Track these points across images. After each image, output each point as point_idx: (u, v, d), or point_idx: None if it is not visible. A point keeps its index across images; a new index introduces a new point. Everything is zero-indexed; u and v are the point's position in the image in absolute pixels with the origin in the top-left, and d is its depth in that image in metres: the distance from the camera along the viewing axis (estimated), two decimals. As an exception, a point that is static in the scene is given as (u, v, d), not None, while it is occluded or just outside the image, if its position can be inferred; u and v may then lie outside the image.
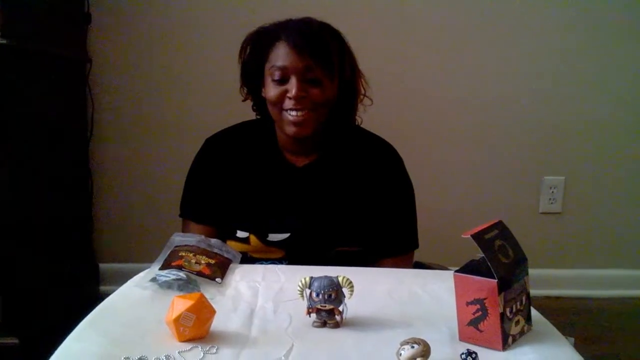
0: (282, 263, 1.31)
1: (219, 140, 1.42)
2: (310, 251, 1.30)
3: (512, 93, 2.48)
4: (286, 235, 1.34)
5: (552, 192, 2.57)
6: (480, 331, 0.88)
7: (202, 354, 0.86)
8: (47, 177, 1.96)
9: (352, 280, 0.96)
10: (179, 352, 0.85)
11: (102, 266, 2.40)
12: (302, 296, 0.96)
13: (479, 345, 0.87)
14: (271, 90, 1.29)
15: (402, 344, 0.82)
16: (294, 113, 1.28)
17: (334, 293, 0.94)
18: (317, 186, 1.37)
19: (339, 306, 0.95)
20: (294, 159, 1.38)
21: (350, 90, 1.36)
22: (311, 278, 0.96)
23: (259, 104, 1.40)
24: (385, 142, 1.43)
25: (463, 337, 0.90)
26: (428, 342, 0.82)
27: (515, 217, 2.35)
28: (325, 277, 0.96)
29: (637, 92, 2.51)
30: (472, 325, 0.89)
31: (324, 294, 0.94)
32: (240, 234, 1.34)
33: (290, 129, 1.29)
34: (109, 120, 2.37)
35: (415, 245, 1.42)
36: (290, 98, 1.27)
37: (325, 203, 1.36)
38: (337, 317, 0.95)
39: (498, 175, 2.52)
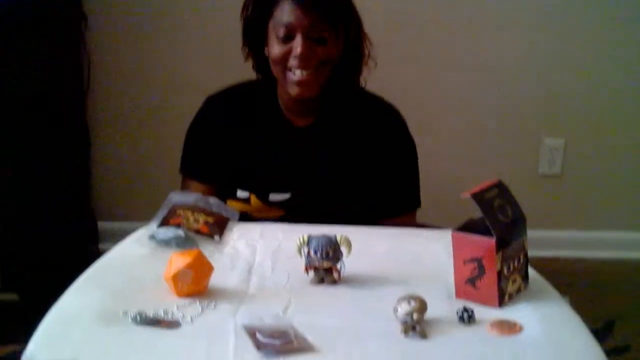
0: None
1: (220, 99, 1.40)
2: (311, 212, 1.30)
3: (512, 55, 2.45)
4: (287, 195, 1.34)
5: (552, 154, 2.56)
6: (477, 289, 0.88)
7: (200, 309, 0.86)
8: (44, 136, 1.95)
9: (351, 239, 0.96)
10: (177, 307, 0.86)
11: (101, 224, 2.41)
12: (300, 254, 0.96)
13: (476, 303, 0.88)
14: (275, 48, 1.27)
15: (399, 300, 0.82)
16: (298, 72, 1.26)
17: (331, 251, 0.95)
18: (318, 146, 1.36)
19: (337, 264, 0.96)
20: (296, 120, 1.37)
21: (355, 51, 1.34)
22: (309, 236, 0.96)
23: (261, 63, 1.37)
24: (387, 103, 1.41)
25: (460, 295, 0.90)
26: (425, 299, 0.82)
27: (515, 179, 2.33)
28: (323, 235, 0.96)
29: (638, 54, 2.48)
30: (469, 283, 0.89)
31: (321, 251, 0.94)
32: (241, 193, 1.34)
33: (294, 89, 1.28)
34: (106, 78, 2.33)
35: (417, 204, 1.41)
36: (294, 56, 1.25)
37: (326, 163, 1.35)
38: (335, 275, 0.96)
39: (498, 138, 2.51)
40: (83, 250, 2.18)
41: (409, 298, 0.82)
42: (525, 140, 2.53)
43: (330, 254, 0.95)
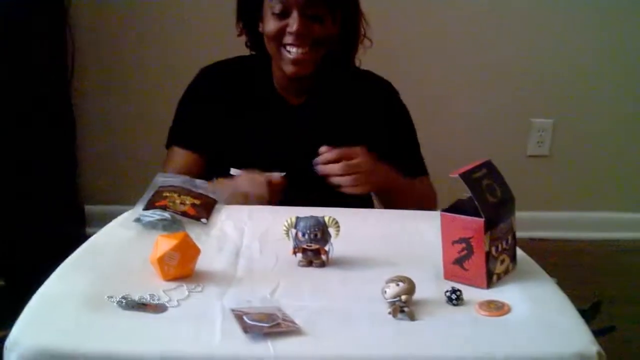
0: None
1: (214, 70, 1.38)
2: (305, 191, 1.28)
3: (501, 35, 2.44)
4: (281, 175, 1.33)
5: (540, 135, 2.57)
6: (465, 270, 0.88)
7: (187, 293, 0.85)
8: (27, 118, 1.92)
9: (339, 220, 0.95)
10: (163, 291, 0.85)
11: (88, 208, 2.39)
12: (288, 236, 0.95)
13: (464, 284, 0.88)
14: (270, 25, 1.25)
15: (387, 282, 0.82)
16: (293, 50, 1.24)
17: (319, 232, 0.94)
18: (312, 124, 1.35)
19: (325, 246, 0.95)
20: (289, 97, 1.35)
21: (352, 30, 1.33)
22: (297, 218, 0.96)
23: (255, 40, 1.35)
24: (379, 76, 1.40)
25: (448, 276, 0.90)
26: (413, 280, 0.82)
27: (503, 160, 2.34)
28: (311, 216, 0.95)
29: (626, 35, 2.47)
30: (457, 264, 0.89)
31: (309, 233, 0.93)
32: (234, 171, 1.32)
33: (289, 68, 1.26)
34: (90, 58, 2.30)
35: (424, 170, 1.40)
36: (290, 33, 1.23)
37: (321, 141, 1.33)
38: (323, 257, 0.95)
39: (486, 118, 2.51)
40: (70, 234, 2.16)
41: (397, 279, 0.81)
42: (514, 121, 2.53)
43: (319, 235, 0.94)
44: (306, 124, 1.35)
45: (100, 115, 2.37)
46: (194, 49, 2.22)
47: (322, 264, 0.95)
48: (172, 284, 0.87)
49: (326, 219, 0.95)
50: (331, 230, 0.95)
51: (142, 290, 0.84)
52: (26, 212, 1.88)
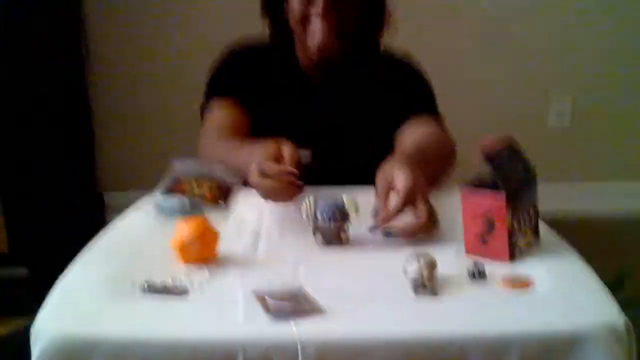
0: None
1: (241, 46, 1.38)
2: (330, 169, 1.27)
3: (520, 7, 2.39)
4: (308, 153, 1.31)
5: (561, 106, 2.53)
6: (487, 245, 0.87)
7: (208, 276, 0.86)
8: (45, 107, 1.93)
9: (360, 199, 0.95)
10: (185, 275, 0.85)
11: (107, 194, 2.40)
12: (307, 218, 0.95)
13: (486, 259, 0.86)
14: (296, 9, 1.25)
15: (408, 259, 0.81)
16: (319, 35, 1.24)
17: (338, 213, 0.94)
18: (338, 103, 1.34)
19: (344, 226, 0.94)
20: (314, 78, 1.35)
21: (377, 10, 1.32)
22: (315, 199, 0.95)
23: (278, 21, 1.34)
24: (399, 52, 1.39)
25: (470, 251, 0.89)
26: (434, 256, 0.81)
27: (524, 132, 2.32)
28: (330, 197, 0.95)
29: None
30: (479, 239, 0.88)
31: (328, 213, 0.93)
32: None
33: (314, 53, 1.26)
34: (107, 41, 2.30)
35: (436, 110, 1.35)
36: (316, 18, 1.22)
37: (347, 120, 1.33)
38: (343, 236, 0.95)
39: (507, 91, 2.48)
40: (89, 222, 2.19)
41: (418, 256, 0.80)
42: (534, 93, 2.50)
43: (338, 215, 0.93)
44: (329, 102, 1.34)
45: (118, 100, 2.38)
46: (216, 33, 2.21)
47: (342, 244, 0.95)
48: (193, 268, 0.87)
49: (344, 199, 0.95)
50: (350, 210, 0.94)
51: (164, 274, 0.84)
52: (45, 202, 1.90)
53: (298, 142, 1.31)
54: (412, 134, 1.27)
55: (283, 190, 0.96)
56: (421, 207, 0.94)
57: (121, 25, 2.32)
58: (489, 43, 2.42)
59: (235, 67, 1.37)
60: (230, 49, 1.39)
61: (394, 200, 0.95)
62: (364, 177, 1.14)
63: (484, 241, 0.87)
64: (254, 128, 1.33)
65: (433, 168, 1.17)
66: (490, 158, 0.86)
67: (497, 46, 2.42)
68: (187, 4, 2.31)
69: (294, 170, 0.96)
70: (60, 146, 2.04)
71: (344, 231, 0.95)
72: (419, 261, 0.80)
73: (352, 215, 0.94)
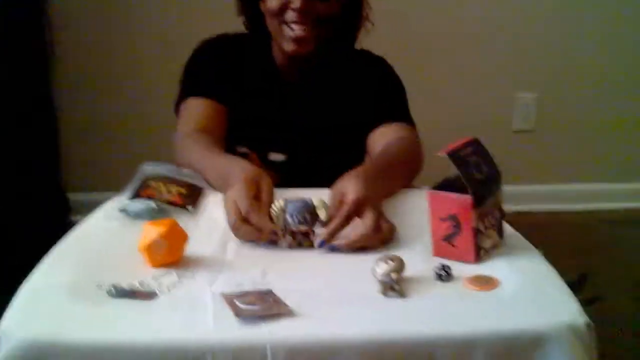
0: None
1: (216, 41, 1.36)
2: (307, 173, 1.27)
3: (484, 9, 2.43)
4: (283, 157, 1.31)
5: (526, 109, 2.58)
6: (454, 246, 0.89)
7: (176, 279, 0.85)
8: (6, 105, 1.88)
9: (328, 202, 0.95)
10: (153, 278, 0.84)
11: (72, 195, 2.35)
12: (277, 219, 0.95)
13: (453, 260, 0.88)
14: (272, 1, 1.22)
15: (377, 261, 0.82)
16: (295, 27, 1.21)
17: (308, 215, 0.94)
18: (310, 103, 1.34)
19: (314, 228, 0.95)
20: (288, 75, 1.34)
21: (355, 10, 1.31)
22: (285, 201, 0.95)
23: (254, 19, 1.32)
24: (374, 54, 1.40)
25: (437, 253, 0.90)
26: (402, 258, 0.82)
27: (489, 135, 2.35)
28: (300, 199, 0.95)
29: (609, 7, 2.48)
30: (446, 241, 0.89)
31: (298, 216, 0.93)
32: (240, 149, 1.30)
33: (290, 46, 1.24)
34: (73, 39, 2.25)
35: (409, 118, 1.35)
36: (293, 10, 1.20)
37: (321, 119, 1.33)
38: (312, 239, 0.95)
39: (472, 94, 2.51)
40: (55, 224, 2.15)
41: (387, 258, 0.81)
42: (499, 96, 2.54)
43: (308, 217, 0.94)
44: (304, 102, 1.34)
45: (83, 98, 2.32)
46: (187, 29, 2.19)
47: (311, 246, 0.95)
48: (162, 271, 0.86)
49: (315, 201, 0.95)
50: (320, 212, 0.95)
51: (131, 278, 0.84)
52: (9, 204, 1.85)
53: (272, 140, 1.32)
54: (380, 141, 1.28)
55: (262, 239, 0.95)
56: (368, 218, 0.93)
57: (87, 25, 2.28)
58: (453, 45, 2.45)
59: (211, 63, 1.34)
60: (204, 44, 1.36)
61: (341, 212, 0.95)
62: (337, 178, 1.16)
63: (450, 243, 0.89)
64: (230, 124, 1.31)
65: (396, 176, 1.18)
66: (456, 160, 0.87)
67: (461, 48, 2.45)
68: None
69: (278, 230, 0.94)
70: (24, 146, 1.99)
71: (314, 233, 0.95)
72: (387, 263, 0.81)
73: (322, 218, 0.95)
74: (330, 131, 1.33)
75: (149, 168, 1.17)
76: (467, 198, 0.85)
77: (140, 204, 1.06)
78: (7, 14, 1.89)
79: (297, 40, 1.22)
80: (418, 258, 0.89)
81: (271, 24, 1.26)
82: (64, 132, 2.32)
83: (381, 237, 0.95)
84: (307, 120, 1.32)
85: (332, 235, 0.93)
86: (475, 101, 2.51)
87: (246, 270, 0.88)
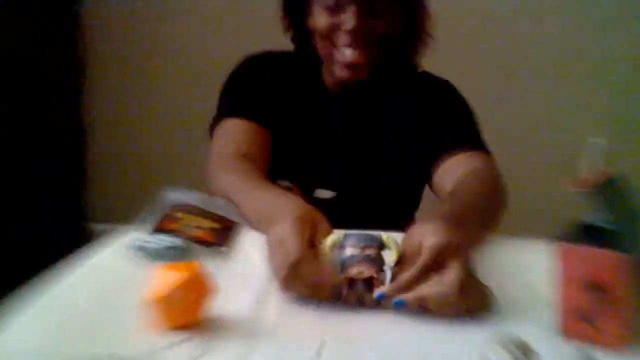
0: None
1: (262, 59, 1.20)
2: (360, 214, 1.06)
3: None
4: (331, 194, 1.14)
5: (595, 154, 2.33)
6: (596, 327, 0.62)
7: (199, 351, 0.61)
8: (36, 133, 1.83)
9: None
10: (165, 346, 0.60)
11: (97, 227, 2.27)
12: (332, 258, 0.72)
13: (594, 345, 0.61)
14: (322, 20, 1.06)
15: (491, 345, 0.56)
16: (348, 52, 1.05)
17: (374, 251, 0.71)
18: (368, 133, 1.16)
19: (380, 274, 0.70)
20: (341, 102, 1.16)
21: (413, 26, 1.13)
22: (345, 234, 0.74)
23: (302, 37, 1.15)
24: (436, 76, 1.19)
25: (570, 334, 0.63)
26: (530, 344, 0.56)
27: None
28: (364, 232, 0.73)
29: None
30: (583, 318, 0.62)
31: (362, 247, 0.71)
32: (282, 182, 1.10)
33: (342, 72, 1.07)
34: (104, 73, 2.26)
35: (484, 146, 1.12)
36: (345, 31, 1.04)
37: (377, 153, 1.15)
38: (376, 283, 0.70)
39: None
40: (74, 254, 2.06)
41: (507, 341, 0.55)
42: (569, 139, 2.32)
43: (373, 255, 0.71)
44: (357, 131, 1.16)
45: (112, 130, 2.32)
46: (216, 65, 2.10)
47: (378, 304, 0.69)
48: (180, 336, 0.63)
49: (384, 238, 0.73)
50: (389, 253, 0.72)
51: (136, 346, 0.60)
52: (30, 232, 1.76)
53: (319, 174, 1.13)
54: (451, 175, 1.05)
55: (319, 296, 0.72)
56: (452, 272, 0.69)
57: (119, 56, 2.27)
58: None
59: (254, 81, 1.18)
60: (248, 60, 1.20)
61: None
62: (394, 218, 0.97)
63: (591, 322, 0.62)
64: (274, 150, 1.13)
65: (484, 220, 0.92)
66: (596, 195, 0.62)
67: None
68: (192, 39, 2.23)
69: (343, 285, 0.71)
70: (47, 175, 1.93)
71: (380, 283, 0.70)
72: (508, 349, 0.54)
73: (391, 260, 0.72)
74: (387, 165, 1.16)
75: (173, 195, 0.94)
76: (623, 256, 0.59)
77: (161, 241, 0.85)
78: (40, 23, 1.84)
79: (350, 65, 1.06)
80: (544, 340, 0.62)
81: (321, 46, 1.09)
82: (91, 160, 2.30)
83: (470, 302, 0.69)
84: (360, 152, 1.16)
85: (400, 290, 0.69)
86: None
87: (294, 342, 0.64)
